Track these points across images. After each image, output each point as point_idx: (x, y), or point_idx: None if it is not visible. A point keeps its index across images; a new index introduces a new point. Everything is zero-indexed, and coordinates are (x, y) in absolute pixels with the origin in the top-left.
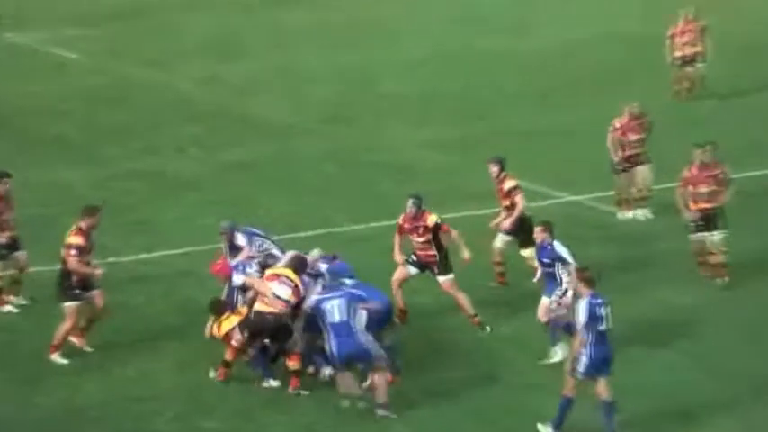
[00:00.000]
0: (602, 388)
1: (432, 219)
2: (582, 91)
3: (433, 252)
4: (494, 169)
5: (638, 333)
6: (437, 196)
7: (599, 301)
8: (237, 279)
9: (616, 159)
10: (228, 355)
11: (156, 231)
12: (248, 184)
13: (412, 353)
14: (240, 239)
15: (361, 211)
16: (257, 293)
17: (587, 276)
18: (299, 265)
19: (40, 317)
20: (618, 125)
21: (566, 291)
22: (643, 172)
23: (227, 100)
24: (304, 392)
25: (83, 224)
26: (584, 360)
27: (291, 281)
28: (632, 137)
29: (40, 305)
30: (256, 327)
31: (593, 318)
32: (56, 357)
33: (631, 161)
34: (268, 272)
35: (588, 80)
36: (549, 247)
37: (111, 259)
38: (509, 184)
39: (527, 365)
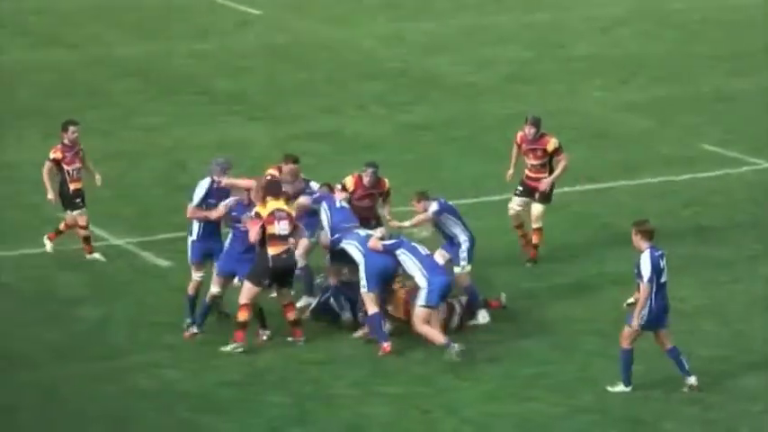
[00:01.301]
0: (664, 338)
1: (388, 184)
2: None
3: (372, 214)
4: (531, 130)
5: None
6: (632, 162)
7: (659, 253)
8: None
9: None
10: (242, 317)
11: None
12: (432, 145)
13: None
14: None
15: None
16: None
17: (646, 229)
18: (275, 190)
19: None
20: None
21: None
22: None
23: (411, 58)
24: (300, 341)
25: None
26: (645, 312)
27: (283, 210)
28: None
29: None
30: (277, 270)
31: (657, 269)
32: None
33: None
34: (260, 211)
35: None
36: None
37: None
38: (553, 143)
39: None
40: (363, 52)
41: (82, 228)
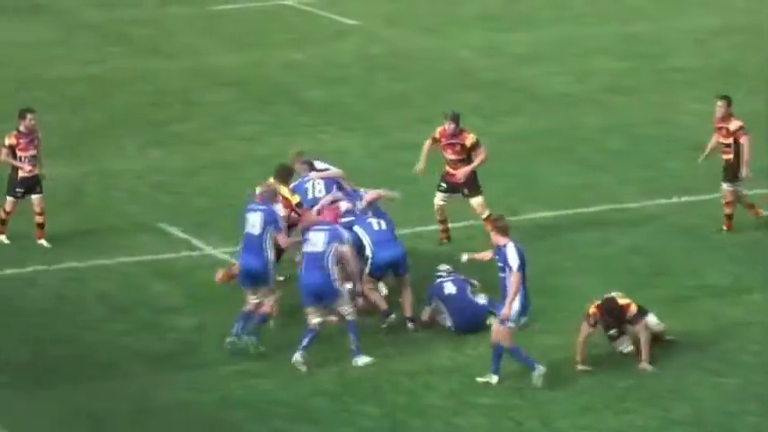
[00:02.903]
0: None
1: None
2: None
3: None
4: (450, 125)
5: None
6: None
7: (520, 246)
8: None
9: None
10: None
11: (432, 203)
12: (527, 156)
13: None
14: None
15: (650, 188)
16: None
17: (502, 225)
18: (284, 174)
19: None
20: None
21: None
22: None
23: (507, 69)
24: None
25: None
26: (517, 307)
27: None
28: None
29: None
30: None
31: (523, 259)
32: None
33: None
34: (287, 196)
35: None
36: None
37: None
38: (471, 139)
39: None
40: (459, 63)
41: (38, 214)
